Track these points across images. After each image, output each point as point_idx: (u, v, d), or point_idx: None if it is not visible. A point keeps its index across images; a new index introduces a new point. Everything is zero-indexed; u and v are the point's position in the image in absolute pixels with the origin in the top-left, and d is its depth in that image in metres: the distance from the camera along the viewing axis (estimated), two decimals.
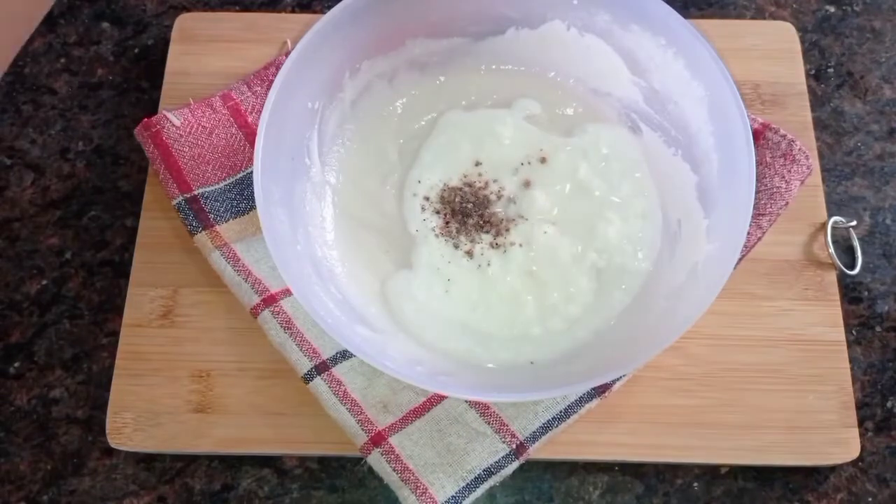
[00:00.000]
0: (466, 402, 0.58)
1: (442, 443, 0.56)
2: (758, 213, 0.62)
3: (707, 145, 0.59)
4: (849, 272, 0.63)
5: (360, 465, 0.58)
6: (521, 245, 0.62)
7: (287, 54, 0.61)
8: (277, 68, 0.63)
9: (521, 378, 0.58)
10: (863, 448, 0.58)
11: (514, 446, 0.56)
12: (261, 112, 0.56)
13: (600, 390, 0.58)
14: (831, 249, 0.63)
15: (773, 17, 0.74)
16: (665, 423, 0.58)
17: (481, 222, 0.62)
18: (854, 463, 0.59)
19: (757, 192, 0.55)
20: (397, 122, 0.66)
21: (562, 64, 0.67)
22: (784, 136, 0.64)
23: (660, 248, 0.62)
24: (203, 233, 0.62)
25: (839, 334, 0.61)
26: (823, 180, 0.66)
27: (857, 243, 0.64)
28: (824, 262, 0.63)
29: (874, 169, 0.68)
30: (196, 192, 0.63)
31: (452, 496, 0.55)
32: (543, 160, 0.65)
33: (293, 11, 0.75)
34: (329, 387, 0.57)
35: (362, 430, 0.56)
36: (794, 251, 0.64)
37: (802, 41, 0.71)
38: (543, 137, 0.65)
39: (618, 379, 0.58)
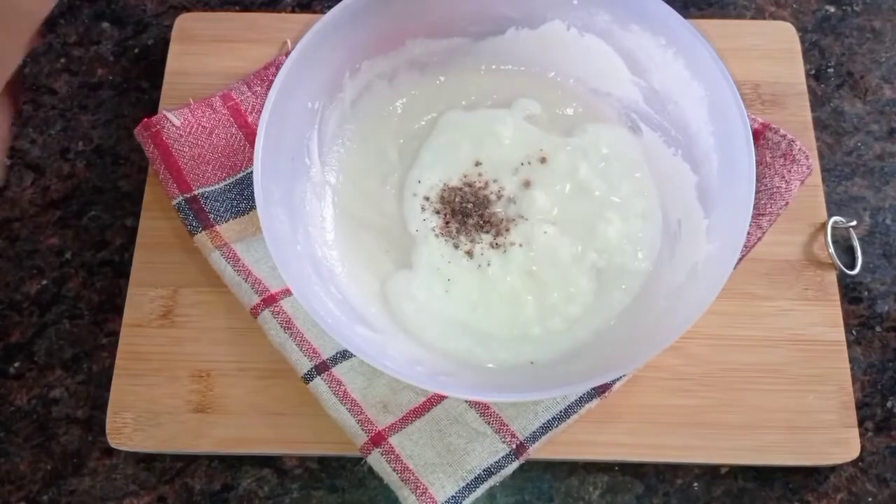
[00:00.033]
0: (466, 402, 0.58)
1: (442, 443, 0.56)
2: (758, 213, 0.62)
3: (707, 145, 0.59)
4: (849, 272, 0.63)
5: (360, 465, 0.58)
6: (521, 245, 0.62)
7: (287, 54, 0.61)
8: (277, 68, 0.63)
9: (521, 378, 0.58)
10: (863, 448, 0.58)
11: (514, 446, 0.56)
12: (261, 112, 0.56)
13: (600, 390, 0.58)
14: (831, 249, 0.63)
15: (773, 17, 0.74)
16: (665, 423, 0.58)
17: (481, 222, 0.62)
18: (854, 463, 0.59)
19: (757, 192, 0.55)
20: (397, 122, 0.66)
21: (562, 64, 0.67)
22: (784, 136, 0.64)
23: (660, 248, 0.62)
24: (203, 233, 0.62)
25: (839, 334, 0.61)
26: (823, 180, 0.66)
27: (857, 243, 0.64)
28: (824, 262, 0.63)
29: (874, 169, 0.68)
30: (196, 192, 0.63)
31: (452, 496, 0.55)
32: (543, 160, 0.65)
33: (293, 11, 0.75)
34: (329, 387, 0.57)
35: (362, 430, 0.56)
36: (794, 251, 0.64)
37: (802, 41, 0.71)
38: (543, 137, 0.65)
39: (618, 379, 0.58)
